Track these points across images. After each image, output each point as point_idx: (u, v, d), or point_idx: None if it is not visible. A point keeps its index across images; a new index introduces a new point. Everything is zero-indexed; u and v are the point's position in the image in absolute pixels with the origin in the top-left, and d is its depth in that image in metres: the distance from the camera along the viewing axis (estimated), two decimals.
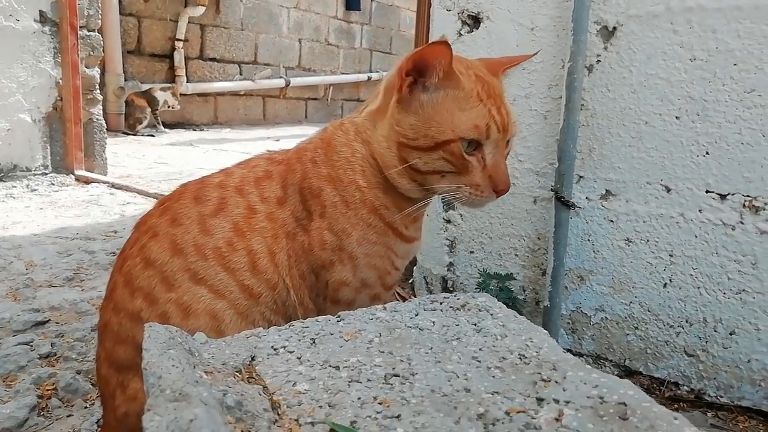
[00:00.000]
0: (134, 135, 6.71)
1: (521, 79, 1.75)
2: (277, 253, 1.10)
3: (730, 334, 1.53)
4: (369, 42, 10.71)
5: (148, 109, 7.02)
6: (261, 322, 1.08)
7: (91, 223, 2.65)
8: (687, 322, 1.59)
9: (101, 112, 3.73)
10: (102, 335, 1.11)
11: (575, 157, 1.65)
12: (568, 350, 1.77)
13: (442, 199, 1.09)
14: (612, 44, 1.60)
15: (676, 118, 1.53)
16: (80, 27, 3.45)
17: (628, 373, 1.69)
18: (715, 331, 1.55)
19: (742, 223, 1.48)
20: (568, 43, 1.59)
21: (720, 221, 1.51)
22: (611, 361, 1.71)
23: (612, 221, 1.65)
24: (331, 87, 9.97)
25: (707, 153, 1.50)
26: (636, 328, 1.66)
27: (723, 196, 1.50)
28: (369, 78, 10.49)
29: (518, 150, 1.78)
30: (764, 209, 1.46)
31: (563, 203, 1.64)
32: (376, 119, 1.12)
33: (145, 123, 6.98)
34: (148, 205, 3.04)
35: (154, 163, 4.95)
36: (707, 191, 1.52)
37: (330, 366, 0.73)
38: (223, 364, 0.72)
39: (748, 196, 1.47)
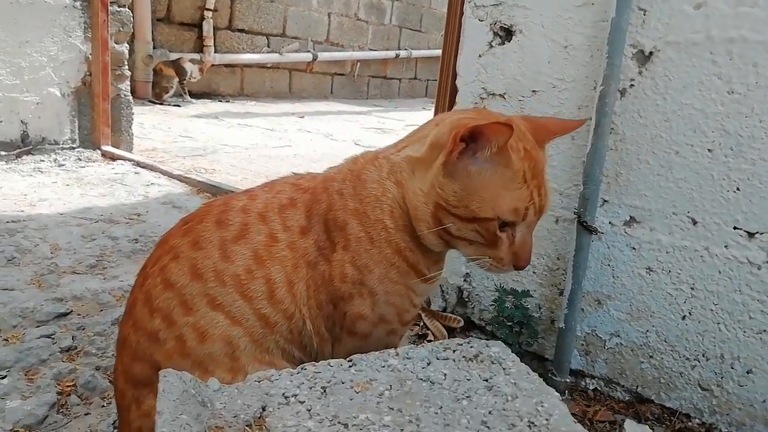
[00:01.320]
0: (161, 104, 6.74)
1: (552, 98, 1.71)
2: (296, 283, 1.10)
3: (747, 372, 1.51)
4: (399, 19, 10.54)
5: (176, 79, 7.04)
6: (275, 350, 1.10)
7: (115, 204, 2.69)
8: (704, 356, 1.57)
9: (129, 87, 3.75)
10: (120, 349, 1.14)
11: (601, 181, 1.62)
12: (580, 371, 1.77)
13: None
14: (647, 69, 1.55)
15: (709, 150, 1.49)
16: (111, 2, 3.45)
17: (639, 400, 1.68)
18: (732, 367, 1.53)
19: None
20: (602, 65, 1.55)
21: (746, 259, 1.48)
22: (623, 386, 1.71)
23: (634, 248, 1.63)
24: (359, 63, 9.88)
25: (738, 189, 1.46)
26: (651, 356, 1.65)
27: (751, 234, 1.47)
28: (397, 55, 10.37)
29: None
30: None
31: (585, 227, 1.62)
32: (416, 167, 1.10)
33: (172, 92, 7.01)
34: (171, 186, 3.07)
35: (179, 137, 4.98)
36: (735, 227, 1.48)
37: (339, 423, 0.74)
38: (234, 417, 0.73)
39: None
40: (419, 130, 1.17)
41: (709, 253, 1.52)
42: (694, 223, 1.53)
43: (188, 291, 1.07)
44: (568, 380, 1.72)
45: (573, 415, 1.66)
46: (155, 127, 5.29)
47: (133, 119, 3.77)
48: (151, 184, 3.08)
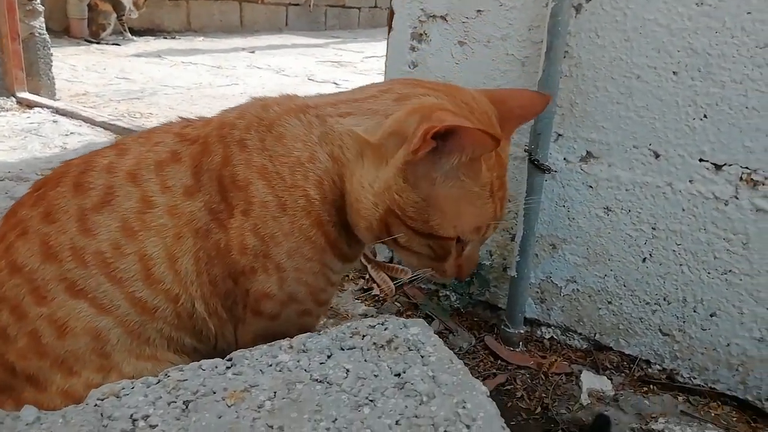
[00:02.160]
0: (98, 43, 6.25)
1: (499, 18, 1.49)
2: (179, 257, 0.91)
3: (711, 315, 1.39)
4: None
5: (113, 15, 6.51)
6: (159, 341, 0.91)
7: (26, 158, 2.42)
8: (665, 300, 1.44)
9: (44, 25, 3.36)
10: None
11: (554, 112, 1.43)
12: (535, 320, 1.64)
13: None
14: None
15: (674, 73, 1.30)
16: None
17: (597, 348, 1.57)
18: (695, 311, 1.41)
19: (737, 198, 1.30)
20: None
21: (712, 194, 1.32)
22: (580, 334, 1.59)
23: (591, 187, 1.46)
24: None
25: (705, 116, 1.29)
26: (609, 302, 1.52)
27: (718, 167, 1.31)
28: None
29: None
30: (763, 184, 1.27)
31: (537, 166, 1.44)
32: (366, 153, 0.89)
33: (110, 30, 6.49)
34: (94, 136, 2.79)
35: (115, 78, 4.61)
36: (701, 160, 1.32)
37: None
38: None
39: (746, 168, 1.28)
40: (368, 95, 0.94)
41: (672, 189, 1.37)
42: (657, 156, 1.37)
43: (40, 275, 0.87)
44: (522, 331, 1.60)
45: (527, 369, 1.56)
46: (89, 68, 4.88)
47: (51, 61, 3.41)
48: (71, 133, 2.79)
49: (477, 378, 1.44)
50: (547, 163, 1.45)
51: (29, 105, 3.15)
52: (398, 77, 1.68)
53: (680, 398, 1.41)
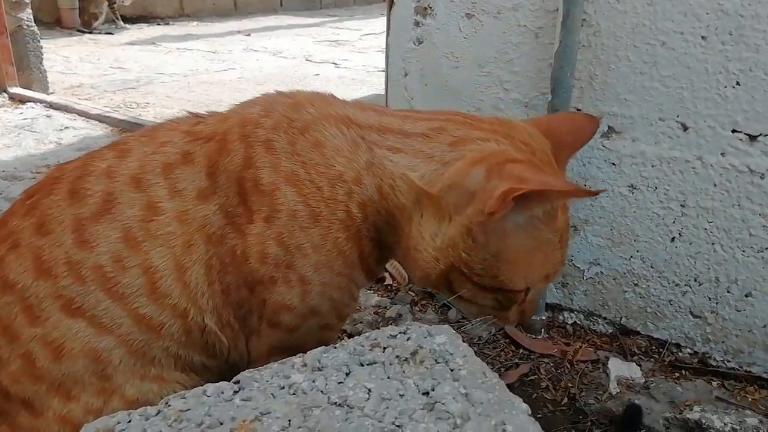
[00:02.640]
0: (90, 33, 6.12)
1: None
2: (188, 267, 0.83)
3: (746, 295, 1.31)
4: None
5: (105, 3, 6.37)
6: (165, 360, 0.84)
7: (21, 156, 2.34)
8: (696, 280, 1.36)
9: (32, 17, 3.25)
10: None
11: (572, 86, 1.33)
12: (557, 305, 1.56)
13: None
14: None
15: (702, 38, 1.20)
16: None
17: (623, 332, 1.49)
18: (729, 291, 1.33)
19: None
20: None
21: (746, 167, 1.23)
22: (605, 318, 1.51)
23: (614, 164, 1.37)
24: None
25: (737, 84, 1.20)
26: (636, 284, 1.44)
27: (753, 138, 1.22)
28: None
29: (503, 76, 1.45)
30: None
31: None
32: (424, 204, 0.82)
33: (102, 19, 6.36)
34: (89, 129, 2.70)
35: (110, 68, 4.50)
36: (734, 131, 1.23)
37: None
38: None
39: None
40: (419, 131, 0.85)
41: (702, 163, 1.28)
42: (685, 128, 1.28)
43: (34, 293, 0.80)
44: (543, 317, 1.52)
45: (551, 357, 1.49)
46: (83, 59, 4.78)
47: (42, 53, 3.31)
48: (66, 128, 2.70)
49: (498, 369, 1.39)
50: None
51: (21, 100, 3.06)
52: (402, 55, 1.58)
53: (714, 383, 1.34)
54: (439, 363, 0.67)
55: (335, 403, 0.62)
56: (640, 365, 1.39)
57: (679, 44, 1.22)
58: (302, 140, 0.84)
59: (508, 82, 1.45)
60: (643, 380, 1.34)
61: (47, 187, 0.86)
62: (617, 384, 1.33)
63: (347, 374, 0.66)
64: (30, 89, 3.21)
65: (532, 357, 1.44)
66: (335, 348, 0.71)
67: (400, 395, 0.63)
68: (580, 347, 1.46)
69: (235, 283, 0.85)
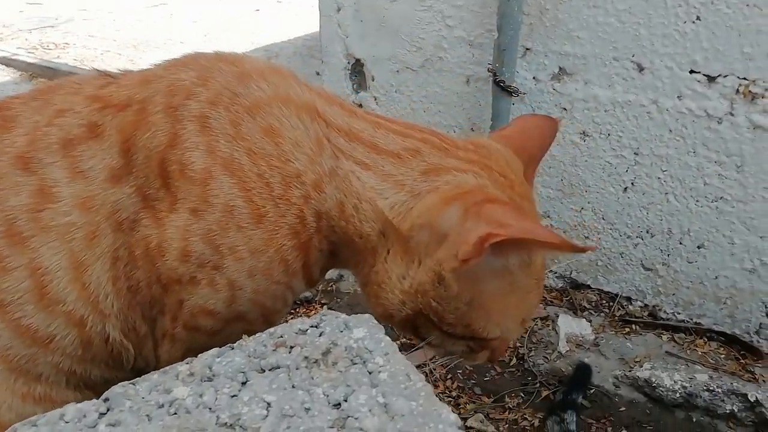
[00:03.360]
0: None
1: None
2: (89, 265, 0.68)
3: (698, 247, 1.26)
4: None
5: None
6: (56, 377, 0.71)
7: None
8: (648, 232, 1.30)
9: None
10: None
11: (521, 23, 1.20)
12: None
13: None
14: None
15: None
16: None
17: (573, 286, 1.43)
18: (681, 243, 1.27)
19: (732, 114, 1.13)
20: None
21: (704, 112, 1.15)
22: (555, 272, 1.45)
23: (565, 109, 1.27)
24: None
25: (698, 18, 1.09)
26: (587, 237, 1.37)
27: (712, 79, 1.12)
28: None
29: (446, 10, 1.31)
30: (763, 97, 1.09)
31: (503, 88, 1.23)
32: (391, 239, 0.70)
33: None
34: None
35: (26, 5, 4.09)
36: (692, 71, 1.13)
37: None
38: None
39: (744, 79, 1.10)
40: (390, 149, 0.72)
41: (657, 107, 1.18)
42: (641, 69, 1.17)
43: None
44: None
45: None
46: None
47: None
48: None
49: None
50: (514, 85, 1.25)
51: None
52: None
53: (664, 337, 1.29)
54: (355, 364, 0.57)
55: (225, 424, 0.51)
56: (590, 321, 1.34)
57: None
58: (249, 122, 0.68)
59: (450, 18, 1.31)
60: (593, 337, 1.29)
61: None
62: (567, 342, 1.28)
63: (243, 384, 0.55)
64: None
65: None
66: (232, 349, 0.59)
67: (305, 410, 0.52)
68: None
69: (146, 279, 0.70)
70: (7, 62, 2.47)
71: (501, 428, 1.09)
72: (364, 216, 0.70)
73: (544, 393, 1.18)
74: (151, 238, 0.69)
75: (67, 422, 0.51)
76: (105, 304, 0.71)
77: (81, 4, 4.12)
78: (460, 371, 1.23)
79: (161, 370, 0.57)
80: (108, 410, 0.52)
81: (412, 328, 0.72)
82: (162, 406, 0.52)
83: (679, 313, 1.33)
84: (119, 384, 0.55)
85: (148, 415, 0.51)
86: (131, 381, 0.56)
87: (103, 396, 0.54)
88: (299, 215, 0.69)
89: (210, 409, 0.52)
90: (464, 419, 1.11)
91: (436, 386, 1.18)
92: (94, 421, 0.52)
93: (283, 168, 0.69)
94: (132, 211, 0.69)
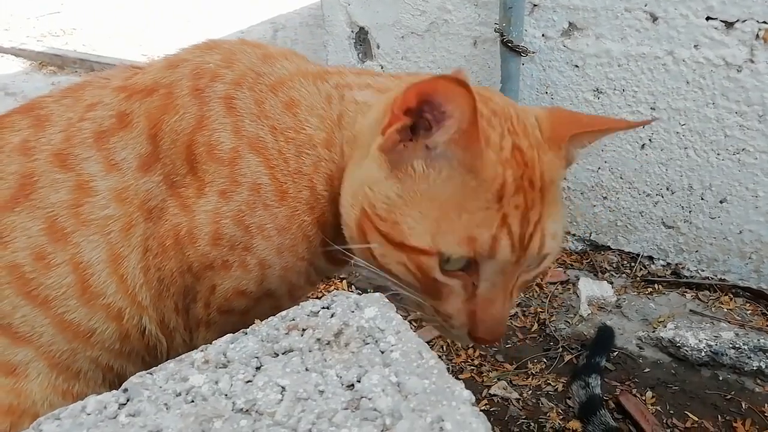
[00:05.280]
0: None
1: None
2: (125, 256, 0.69)
3: (720, 201, 1.22)
4: None
5: None
6: (93, 373, 0.72)
7: None
8: (668, 189, 1.26)
9: None
10: None
11: None
12: None
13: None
14: None
15: None
16: None
17: (593, 248, 1.41)
18: (702, 198, 1.24)
19: (752, 61, 1.08)
20: None
21: (722, 60, 1.10)
22: (574, 235, 1.42)
23: (577, 66, 1.23)
24: None
25: None
26: (605, 197, 1.34)
27: (730, 24, 1.07)
28: None
29: None
30: None
31: (511, 48, 1.19)
32: (356, 144, 0.67)
33: None
34: (5, 66, 2.42)
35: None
36: (708, 18, 1.08)
37: None
38: None
39: (764, 23, 1.05)
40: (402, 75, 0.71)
41: (673, 58, 1.14)
42: (654, 19, 1.12)
43: None
44: None
45: None
46: None
47: None
48: None
49: None
50: (522, 44, 1.21)
51: None
52: None
53: (688, 295, 1.27)
54: (367, 344, 0.56)
55: (241, 410, 0.51)
56: (611, 282, 1.32)
57: None
58: (272, 99, 0.68)
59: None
60: (614, 298, 1.27)
61: None
62: (588, 305, 1.26)
63: (257, 369, 0.55)
64: None
65: None
66: (245, 335, 0.59)
67: (319, 392, 0.52)
68: (549, 268, 1.38)
69: (179, 269, 0.71)
70: (17, 52, 2.48)
71: (525, 394, 1.09)
72: (347, 141, 0.71)
73: (567, 357, 1.17)
74: (181, 226, 0.69)
75: (88, 414, 0.52)
76: (141, 295, 0.72)
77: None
78: None
79: (177, 358, 0.57)
80: (128, 400, 0.53)
81: (363, 237, 0.64)
82: (179, 394, 0.53)
83: (703, 270, 1.30)
84: (137, 374, 0.56)
85: (166, 404, 0.52)
86: (148, 371, 0.56)
87: (122, 386, 0.55)
88: (310, 186, 0.69)
89: (226, 395, 0.52)
90: (487, 387, 1.11)
91: (457, 355, 1.18)
92: (114, 412, 0.52)
93: (296, 138, 0.69)
94: (160, 199, 0.70)
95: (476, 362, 1.18)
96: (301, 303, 0.63)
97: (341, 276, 1.41)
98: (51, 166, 0.69)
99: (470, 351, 1.21)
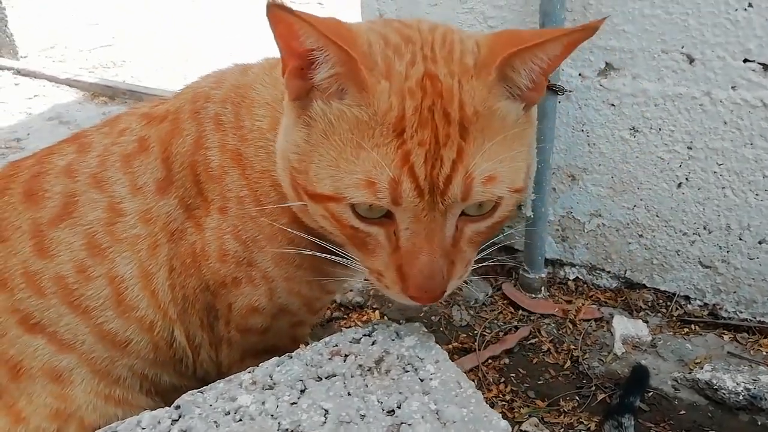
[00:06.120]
0: None
1: None
2: (154, 273, 0.74)
3: (759, 242, 1.21)
4: None
5: None
6: (131, 380, 0.77)
7: None
8: (705, 228, 1.26)
9: None
10: None
11: (563, 19, 1.19)
12: (558, 261, 1.47)
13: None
14: None
15: None
16: None
17: (628, 286, 1.40)
18: (740, 239, 1.23)
19: None
20: None
21: (760, 102, 1.11)
22: (609, 272, 1.42)
23: (613, 105, 1.24)
24: None
25: (750, 5, 1.05)
26: (640, 235, 1.34)
27: (767, 67, 1.08)
28: None
29: (487, 11, 1.31)
30: None
31: (548, 87, 1.22)
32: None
33: None
34: (59, 95, 2.56)
35: (86, 25, 4.29)
36: (746, 60, 1.09)
37: None
38: None
39: None
40: None
41: (711, 99, 1.15)
42: (691, 61, 1.14)
43: None
44: (543, 275, 1.43)
45: (552, 318, 1.40)
46: (58, 14, 4.55)
47: (6, 16, 3.13)
48: (35, 96, 2.56)
49: (497, 333, 1.31)
50: (559, 83, 1.23)
51: None
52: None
53: (726, 337, 1.25)
54: (407, 372, 0.58)
55: (286, 430, 0.53)
56: (646, 321, 1.31)
57: None
58: (244, 107, 0.73)
59: (492, 19, 1.30)
60: (650, 338, 1.26)
61: (0, 186, 0.77)
62: (622, 343, 1.25)
63: (302, 392, 0.57)
64: None
65: (532, 318, 1.36)
66: (290, 359, 0.62)
67: (361, 416, 0.54)
68: (583, 305, 1.37)
69: (199, 286, 0.75)
70: (71, 83, 2.61)
71: None
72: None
73: (600, 396, 1.16)
74: (196, 244, 0.74)
75: (143, 428, 0.55)
76: (170, 310, 0.76)
77: (136, 23, 4.30)
78: (513, 375, 1.23)
79: (226, 378, 0.60)
80: (180, 417, 0.56)
81: (297, 193, 0.63)
82: (228, 413, 0.55)
83: (741, 312, 1.28)
84: (188, 392, 0.59)
85: (215, 422, 0.54)
86: (199, 389, 0.59)
87: (175, 403, 0.58)
88: (272, 183, 0.69)
89: (272, 416, 0.55)
90: (518, 423, 1.10)
91: (489, 390, 1.18)
92: (168, 427, 0.55)
93: (253, 136, 0.70)
94: (179, 222, 0.74)
95: (507, 397, 1.18)
96: (343, 330, 0.65)
97: (374, 306, 1.43)
98: (89, 187, 0.74)
99: (501, 386, 1.20)
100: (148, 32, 4.04)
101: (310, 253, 0.67)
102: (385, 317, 1.37)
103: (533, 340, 1.30)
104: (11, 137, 2.16)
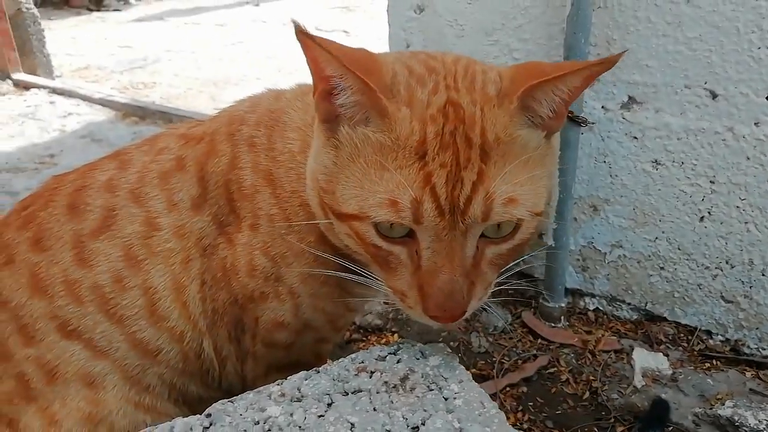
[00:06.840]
0: (98, 10, 6.05)
1: None
2: (186, 286, 0.77)
3: None
4: None
5: None
6: (160, 389, 0.79)
7: (24, 146, 2.29)
8: (727, 263, 1.26)
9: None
10: None
11: (588, 53, 1.21)
12: (578, 291, 1.47)
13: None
14: None
15: None
16: None
17: (649, 318, 1.40)
18: (763, 274, 1.22)
19: None
20: None
21: None
22: (629, 304, 1.41)
23: (636, 138, 1.26)
24: None
25: None
26: (662, 268, 1.34)
27: None
28: None
29: (512, 44, 1.34)
30: None
31: (571, 119, 1.24)
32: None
33: None
34: (92, 114, 2.64)
35: (117, 48, 4.43)
36: None
37: None
38: None
39: None
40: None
41: (733, 134, 1.16)
42: (714, 96, 1.15)
43: (28, 312, 0.76)
44: (563, 304, 1.43)
45: (572, 347, 1.40)
46: (90, 39, 4.72)
47: (44, 37, 3.25)
48: (69, 114, 2.65)
49: (516, 361, 1.31)
50: (582, 115, 1.25)
51: (26, 86, 3.02)
52: (403, 24, 1.47)
53: (748, 374, 1.24)
54: (431, 390, 0.60)
55: None
56: (667, 355, 1.30)
57: (706, 1, 1.10)
58: (276, 130, 0.76)
59: (517, 51, 1.33)
60: (670, 371, 1.25)
61: (44, 198, 0.81)
62: (642, 376, 1.24)
63: (329, 405, 0.59)
64: (35, 74, 3.16)
65: (551, 347, 1.36)
66: (317, 373, 0.63)
67: (386, 431, 0.55)
68: (603, 336, 1.37)
69: (229, 300, 0.78)
70: (104, 103, 2.70)
71: None
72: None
73: (619, 429, 1.15)
74: (227, 259, 0.77)
75: None
76: (201, 322, 0.79)
77: (167, 46, 4.43)
78: (531, 404, 1.22)
79: (255, 390, 0.62)
80: (211, 425, 0.58)
81: (325, 212, 0.66)
82: (257, 423, 0.57)
83: (764, 349, 1.27)
84: (219, 401, 0.61)
85: (245, 431, 0.56)
86: (230, 399, 0.61)
87: (206, 412, 0.60)
88: (301, 202, 0.72)
89: (300, 427, 0.56)
90: None
91: (507, 418, 1.17)
92: None
93: (285, 159, 0.74)
94: (212, 238, 0.77)
95: (525, 426, 1.17)
96: (369, 347, 0.67)
97: (393, 329, 1.44)
98: (128, 202, 0.78)
99: (519, 414, 1.20)
100: (178, 55, 4.16)
101: (335, 274, 0.69)
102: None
103: (552, 370, 1.30)
104: (46, 153, 2.23)
